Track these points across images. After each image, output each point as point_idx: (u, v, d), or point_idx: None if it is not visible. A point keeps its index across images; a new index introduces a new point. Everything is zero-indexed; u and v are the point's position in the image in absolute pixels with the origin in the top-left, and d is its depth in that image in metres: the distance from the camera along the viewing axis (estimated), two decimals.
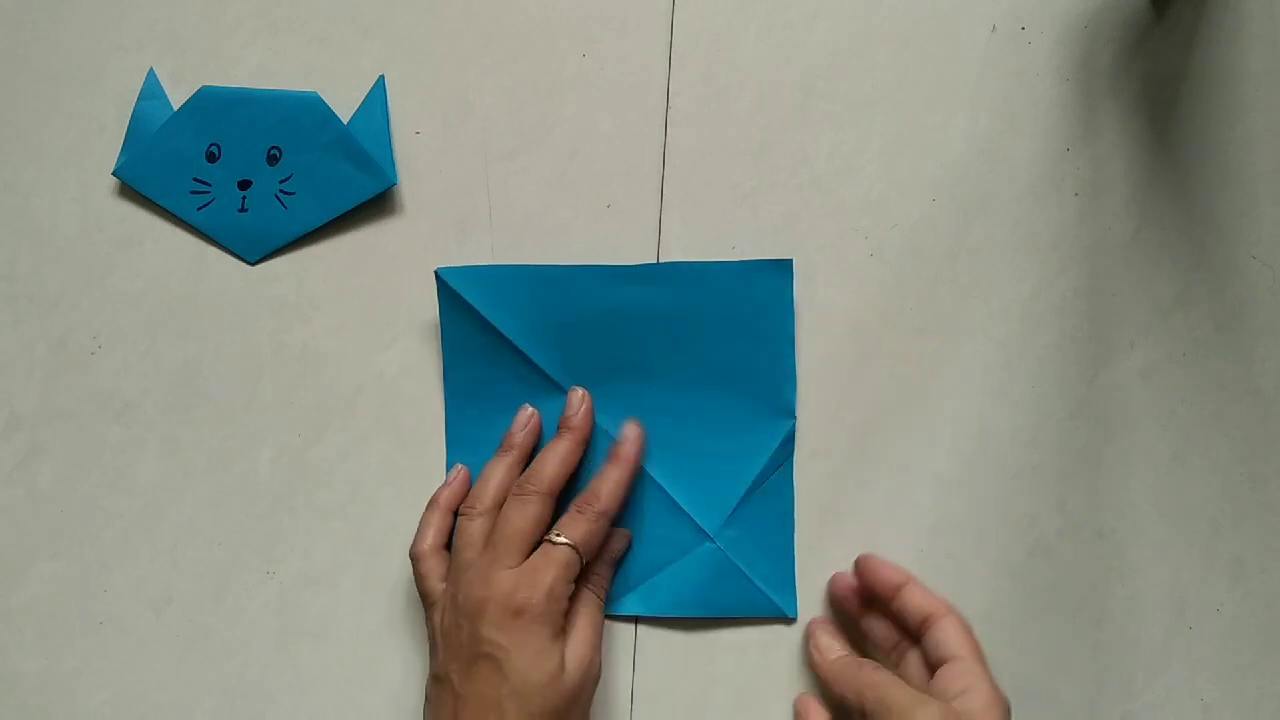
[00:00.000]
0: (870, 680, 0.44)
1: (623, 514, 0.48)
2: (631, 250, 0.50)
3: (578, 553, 0.44)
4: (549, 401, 0.49)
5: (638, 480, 0.49)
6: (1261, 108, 0.49)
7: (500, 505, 0.46)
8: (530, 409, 0.49)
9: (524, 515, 0.45)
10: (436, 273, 0.49)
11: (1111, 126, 0.50)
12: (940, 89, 0.50)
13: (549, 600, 0.43)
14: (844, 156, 0.50)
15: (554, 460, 0.47)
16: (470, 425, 0.50)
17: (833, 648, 0.47)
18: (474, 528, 0.46)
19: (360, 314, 0.51)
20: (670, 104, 0.51)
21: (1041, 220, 0.50)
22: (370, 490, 0.51)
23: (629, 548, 0.49)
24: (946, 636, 0.44)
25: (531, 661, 0.42)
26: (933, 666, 0.44)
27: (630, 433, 0.48)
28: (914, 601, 0.45)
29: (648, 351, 0.49)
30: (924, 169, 0.50)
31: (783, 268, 0.49)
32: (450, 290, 0.49)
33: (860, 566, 0.47)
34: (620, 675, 0.49)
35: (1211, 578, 0.49)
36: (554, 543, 0.44)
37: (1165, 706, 0.48)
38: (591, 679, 0.44)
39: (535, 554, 0.44)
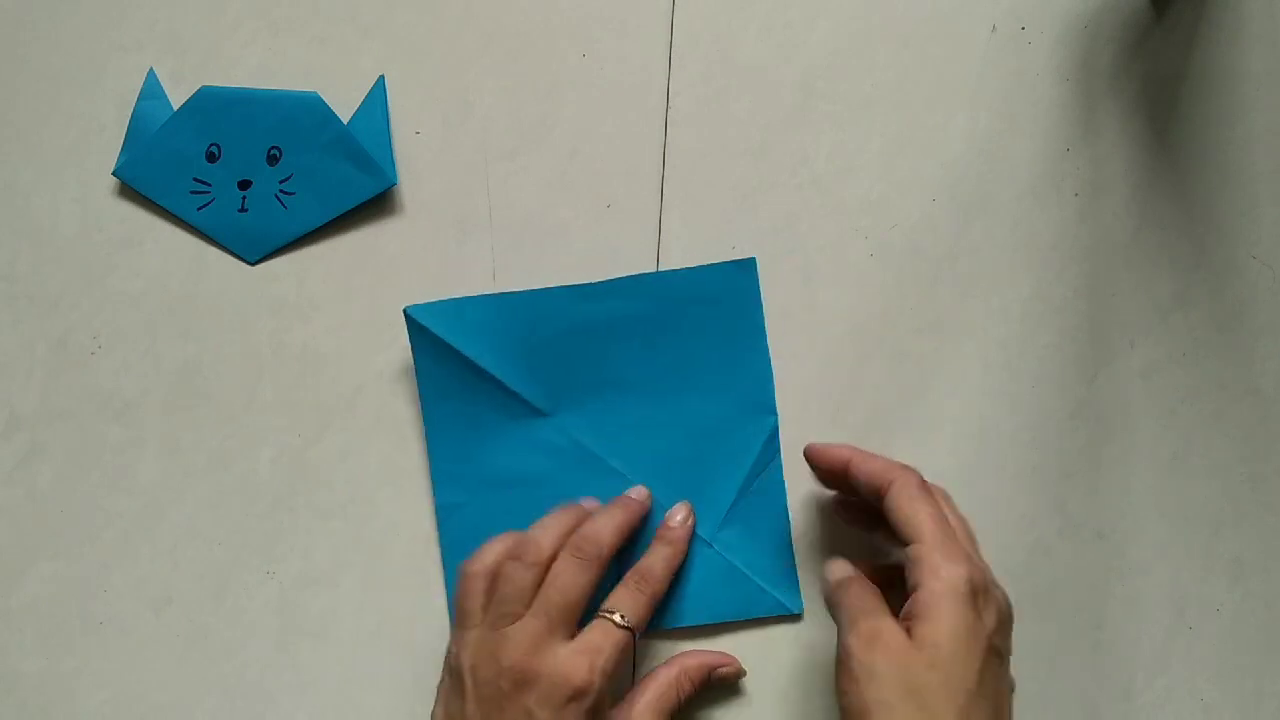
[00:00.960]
0: (838, 601, 0.42)
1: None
2: (631, 250, 0.50)
3: (634, 637, 0.43)
4: (531, 427, 0.49)
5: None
6: (1261, 108, 0.49)
7: (552, 560, 0.44)
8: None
9: (579, 582, 0.43)
10: (405, 311, 0.49)
11: (1111, 126, 0.50)
12: (940, 89, 0.50)
13: (604, 682, 0.41)
14: (844, 156, 0.50)
15: (610, 528, 0.45)
16: (455, 462, 0.49)
17: (836, 570, 0.44)
18: (526, 579, 0.43)
19: (360, 314, 0.51)
20: (670, 104, 0.51)
21: (1041, 220, 0.50)
22: (370, 490, 0.51)
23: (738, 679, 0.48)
24: (895, 517, 0.42)
25: None
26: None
27: (679, 514, 0.48)
28: (862, 478, 0.43)
29: (624, 365, 0.49)
30: (924, 169, 0.50)
31: (745, 267, 0.49)
32: (420, 327, 0.49)
33: (808, 457, 0.46)
34: (621, 675, 0.49)
35: (1211, 578, 0.49)
36: (616, 624, 0.43)
37: (1165, 706, 0.48)
38: None
39: (593, 629, 0.43)
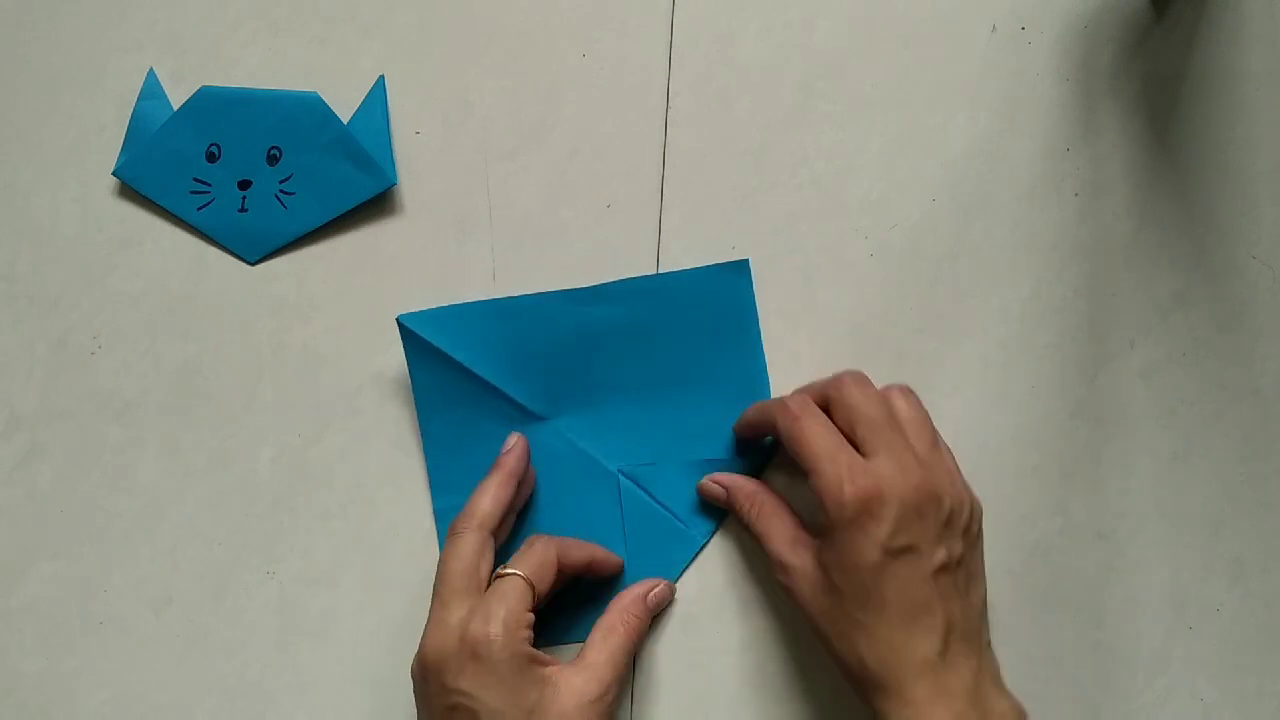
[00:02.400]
0: (756, 530, 0.46)
1: (622, 531, 0.48)
2: (631, 250, 0.50)
3: (529, 582, 0.43)
4: (527, 431, 0.49)
5: (631, 496, 0.49)
6: (1261, 108, 0.49)
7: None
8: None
9: (457, 553, 0.43)
10: (397, 320, 0.48)
11: (1111, 126, 0.50)
12: (940, 89, 0.50)
13: (506, 631, 0.41)
14: (844, 156, 0.50)
15: (486, 496, 0.45)
16: (452, 468, 0.49)
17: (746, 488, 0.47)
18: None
19: (360, 314, 0.51)
20: (670, 104, 0.51)
21: (1041, 220, 0.50)
22: (370, 490, 0.51)
23: (672, 597, 0.48)
24: (838, 418, 0.43)
25: (505, 699, 0.40)
26: None
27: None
28: (749, 429, 0.47)
29: (619, 369, 0.49)
30: (924, 169, 0.50)
31: (739, 269, 0.49)
32: (413, 335, 0.48)
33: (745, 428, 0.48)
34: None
35: (1211, 578, 0.49)
36: (502, 575, 0.43)
37: (1165, 706, 0.48)
38: (595, 711, 0.41)
39: (487, 591, 0.43)
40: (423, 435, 0.49)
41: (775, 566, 0.44)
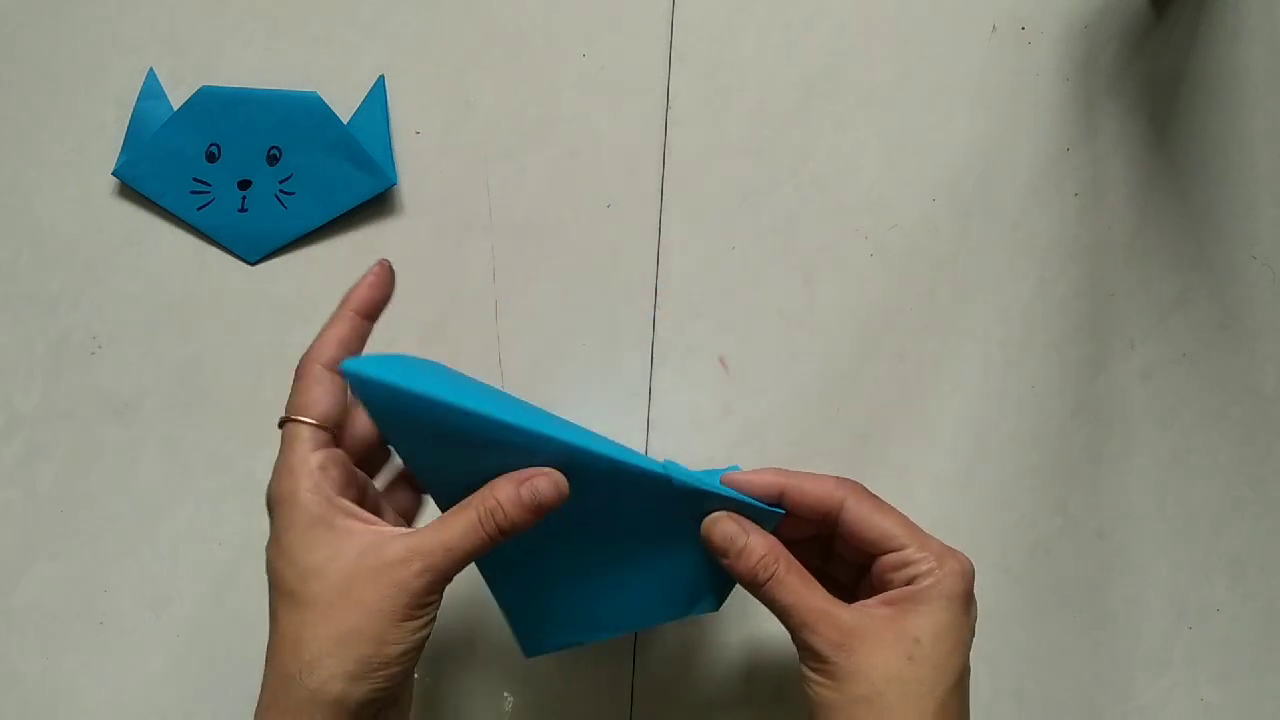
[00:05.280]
0: (772, 595, 0.39)
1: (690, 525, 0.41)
2: (631, 250, 0.50)
3: (303, 422, 0.38)
4: (525, 443, 0.38)
5: (697, 491, 0.41)
6: (1261, 108, 0.49)
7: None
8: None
9: (292, 403, 0.39)
10: (341, 369, 0.38)
11: (1111, 126, 0.50)
12: (940, 89, 0.50)
13: (281, 489, 0.36)
14: (844, 156, 0.50)
15: (325, 338, 0.40)
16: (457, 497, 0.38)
17: (755, 546, 0.39)
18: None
19: None
20: (670, 104, 0.51)
21: (1041, 220, 0.50)
22: None
23: (560, 493, 0.38)
24: (864, 531, 0.39)
25: (287, 563, 0.35)
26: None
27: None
28: (807, 503, 0.40)
29: None
30: (924, 169, 0.50)
31: None
32: (366, 380, 0.37)
33: (735, 488, 0.41)
34: (620, 675, 0.49)
35: (1211, 578, 0.49)
36: (282, 422, 0.38)
37: (1165, 706, 0.48)
38: (395, 579, 0.35)
39: None
40: (428, 489, 0.41)
41: (823, 624, 0.37)
